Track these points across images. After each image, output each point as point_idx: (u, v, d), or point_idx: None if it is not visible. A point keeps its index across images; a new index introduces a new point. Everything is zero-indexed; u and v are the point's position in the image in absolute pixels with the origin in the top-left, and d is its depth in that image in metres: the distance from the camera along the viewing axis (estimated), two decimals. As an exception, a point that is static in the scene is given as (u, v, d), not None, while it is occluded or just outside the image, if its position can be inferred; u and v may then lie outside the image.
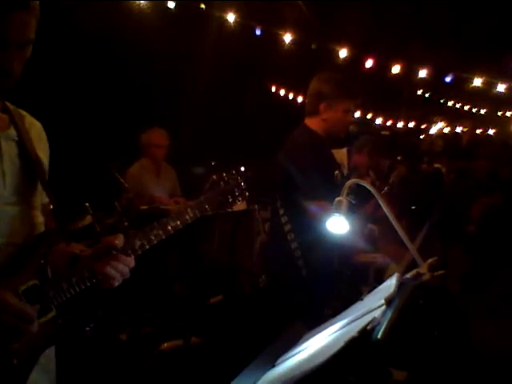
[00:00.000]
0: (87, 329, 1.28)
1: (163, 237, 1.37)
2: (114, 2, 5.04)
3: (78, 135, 4.68)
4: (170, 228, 1.38)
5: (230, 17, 5.61)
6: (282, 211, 2.58)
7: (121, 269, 1.29)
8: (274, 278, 2.78)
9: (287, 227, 2.54)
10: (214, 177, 1.54)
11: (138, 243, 1.33)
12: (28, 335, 1.16)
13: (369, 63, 6.88)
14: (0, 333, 1.13)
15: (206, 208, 1.46)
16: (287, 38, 6.16)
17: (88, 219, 3.22)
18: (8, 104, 1.36)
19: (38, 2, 1.23)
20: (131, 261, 1.32)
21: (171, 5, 5.27)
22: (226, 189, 1.54)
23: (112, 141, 4.78)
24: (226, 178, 1.55)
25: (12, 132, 1.32)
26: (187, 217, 1.42)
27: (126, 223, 3.53)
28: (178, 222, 1.40)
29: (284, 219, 2.56)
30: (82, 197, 3.26)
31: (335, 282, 2.62)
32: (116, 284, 1.29)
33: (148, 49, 5.51)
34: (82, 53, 4.89)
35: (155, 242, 1.36)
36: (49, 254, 1.27)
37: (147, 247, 1.35)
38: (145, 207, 4.01)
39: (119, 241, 1.30)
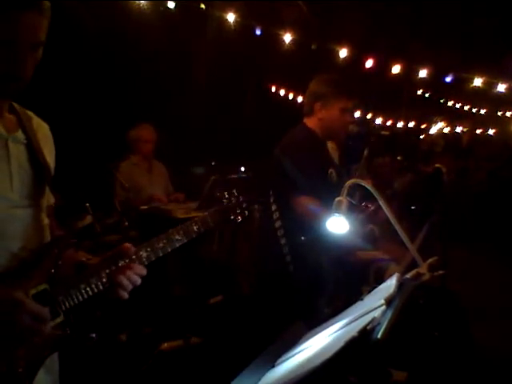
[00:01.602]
0: (93, 335, 1.30)
1: (169, 250, 1.42)
2: (114, 2, 5.04)
3: (78, 135, 4.68)
4: (175, 240, 1.43)
5: (230, 17, 5.60)
6: (274, 207, 2.62)
7: (134, 279, 1.32)
8: (263, 274, 2.82)
9: (278, 223, 2.57)
10: (218, 194, 1.64)
11: (144, 254, 1.37)
12: (40, 335, 1.17)
13: (369, 63, 6.87)
14: (15, 332, 1.13)
15: (209, 224, 1.54)
16: (287, 37, 6.16)
17: (88, 219, 3.21)
18: (15, 105, 1.35)
19: (48, 3, 1.22)
20: (143, 269, 1.35)
21: (171, 5, 5.26)
22: (228, 207, 1.64)
23: (112, 141, 4.77)
24: (228, 196, 1.65)
25: (20, 135, 1.32)
26: (193, 233, 1.48)
27: (126, 223, 3.53)
28: (184, 238, 1.46)
29: (275, 215, 2.59)
30: (82, 197, 3.26)
31: (328, 281, 2.63)
32: (126, 296, 1.32)
33: (148, 49, 5.51)
34: (81, 53, 4.89)
35: (161, 255, 1.40)
36: (60, 258, 1.28)
37: (153, 259, 1.38)
38: (145, 207, 4.00)
39: (130, 246, 1.33)
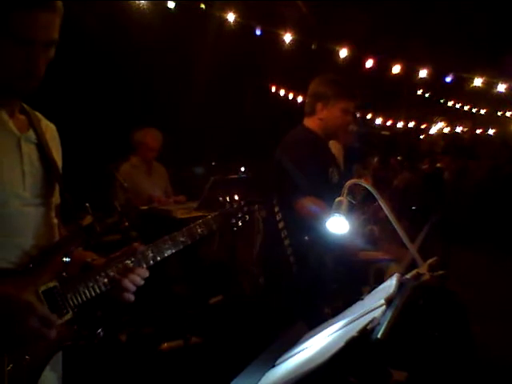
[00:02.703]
0: (99, 331, 1.32)
1: (173, 251, 1.46)
2: (114, 2, 5.04)
3: (78, 135, 4.68)
4: (180, 244, 1.48)
5: (230, 17, 5.60)
6: (277, 208, 2.61)
7: (137, 281, 1.36)
8: (268, 275, 2.82)
9: (281, 224, 2.58)
10: (220, 198, 1.70)
11: (150, 255, 1.41)
12: (46, 340, 1.18)
13: (369, 63, 6.87)
14: (22, 334, 1.15)
15: (213, 227, 1.60)
16: (287, 37, 6.16)
17: (88, 219, 3.21)
18: (25, 106, 1.37)
19: (61, 2, 1.24)
20: (145, 272, 1.39)
21: (171, 5, 5.26)
22: (231, 211, 1.70)
23: (112, 141, 4.77)
24: (229, 201, 1.71)
25: (32, 135, 1.34)
26: (197, 235, 1.54)
27: (126, 223, 3.53)
28: (188, 240, 1.51)
29: (279, 216, 2.59)
30: (82, 197, 3.25)
31: (330, 281, 2.63)
32: (132, 298, 1.36)
33: (148, 49, 5.51)
34: (80, 53, 4.89)
35: (166, 255, 1.45)
36: (69, 256, 1.30)
37: (158, 259, 1.43)
38: (145, 207, 4.00)
39: (138, 245, 1.39)
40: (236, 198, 1.72)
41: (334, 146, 3.28)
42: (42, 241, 1.32)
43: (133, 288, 1.35)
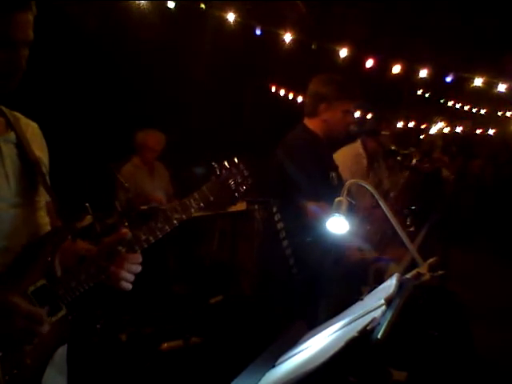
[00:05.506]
0: (98, 326, 1.31)
1: (168, 230, 1.38)
2: (113, 2, 5.04)
3: (78, 135, 4.68)
4: (174, 221, 1.39)
5: (230, 17, 5.60)
6: (275, 209, 2.61)
7: (133, 269, 1.33)
8: (266, 276, 2.81)
9: (279, 225, 2.57)
10: (215, 165, 1.50)
11: (143, 237, 1.35)
12: (39, 336, 1.18)
13: (369, 63, 6.87)
14: (12, 335, 1.14)
15: (209, 198, 1.44)
16: (287, 37, 6.15)
17: (88, 219, 3.22)
18: (3, 108, 1.37)
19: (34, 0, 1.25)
20: (139, 257, 1.35)
21: (171, 5, 5.26)
22: (228, 176, 1.50)
23: (112, 141, 4.78)
24: (227, 166, 1.51)
25: (11, 135, 1.33)
26: (192, 209, 1.42)
27: (126, 223, 3.53)
28: (183, 215, 1.40)
29: (277, 217, 2.59)
30: (82, 197, 3.26)
31: (329, 281, 2.63)
32: (130, 287, 1.33)
33: (148, 49, 5.51)
34: (81, 53, 4.90)
35: (160, 236, 1.37)
36: (56, 252, 1.28)
37: (152, 241, 1.36)
38: (145, 207, 4.01)
39: (127, 231, 1.33)
40: (235, 161, 1.52)
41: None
42: (28, 241, 1.30)
43: (131, 277, 1.33)
